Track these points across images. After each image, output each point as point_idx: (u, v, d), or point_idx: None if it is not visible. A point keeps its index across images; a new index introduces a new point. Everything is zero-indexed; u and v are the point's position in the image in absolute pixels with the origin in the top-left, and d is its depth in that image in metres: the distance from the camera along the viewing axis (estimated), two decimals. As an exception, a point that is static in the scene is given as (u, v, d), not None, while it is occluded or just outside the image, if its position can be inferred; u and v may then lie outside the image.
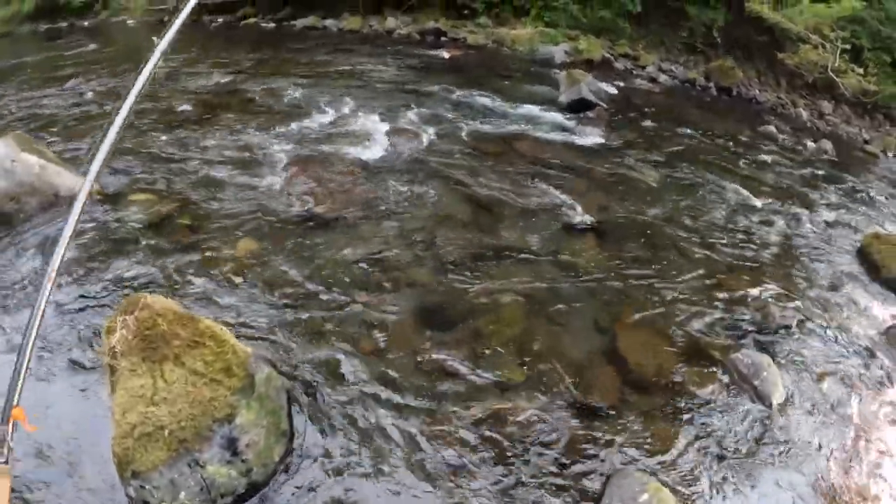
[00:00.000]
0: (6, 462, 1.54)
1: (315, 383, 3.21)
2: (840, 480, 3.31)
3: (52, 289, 1.65)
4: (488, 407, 3.22)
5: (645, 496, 2.70)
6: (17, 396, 1.58)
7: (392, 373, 3.35)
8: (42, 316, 1.63)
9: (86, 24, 17.44)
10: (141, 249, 4.20)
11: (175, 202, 4.85)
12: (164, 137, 6.25)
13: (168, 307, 2.79)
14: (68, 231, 1.70)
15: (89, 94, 7.93)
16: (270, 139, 6.40)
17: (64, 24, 17.14)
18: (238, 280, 3.95)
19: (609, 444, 3.16)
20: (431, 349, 3.55)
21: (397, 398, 3.19)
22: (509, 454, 2.99)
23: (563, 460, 3.02)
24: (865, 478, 3.37)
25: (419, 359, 3.47)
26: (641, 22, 15.77)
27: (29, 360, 1.58)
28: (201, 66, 9.87)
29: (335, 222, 4.80)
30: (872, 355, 4.54)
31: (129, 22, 17.03)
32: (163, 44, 2.01)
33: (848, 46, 13.87)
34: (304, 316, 3.70)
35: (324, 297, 3.89)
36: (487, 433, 3.07)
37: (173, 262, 4.08)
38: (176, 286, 3.84)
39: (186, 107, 7.41)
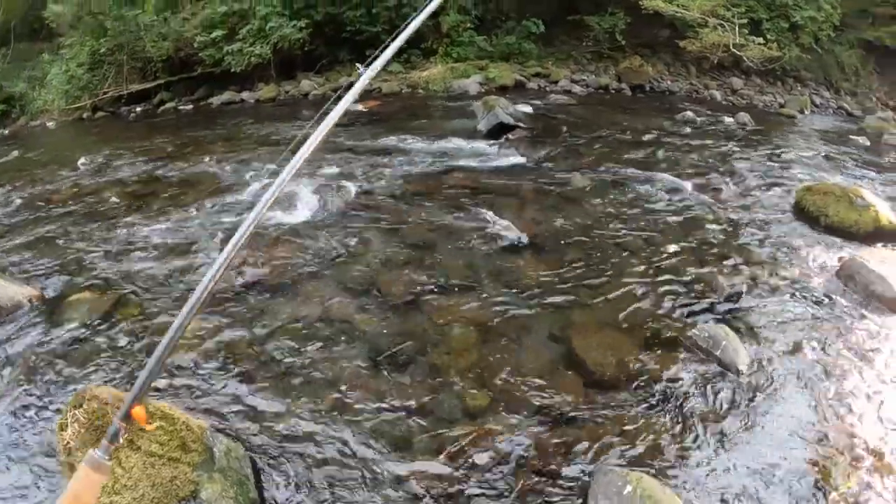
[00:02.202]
0: (110, 459, 1.53)
1: (280, 447, 3.12)
2: (816, 428, 3.35)
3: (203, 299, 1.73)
4: (459, 437, 3.18)
5: (629, 487, 2.67)
6: (141, 395, 1.58)
7: (357, 423, 3.29)
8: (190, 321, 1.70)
9: (5, 131, 17.12)
10: (88, 346, 4.09)
11: (116, 295, 4.72)
12: (96, 233, 6.14)
13: (115, 394, 2.75)
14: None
15: (18, 202, 7.75)
16: (202, 218, 6.32)
17: (-17, 134, 16.82)
18: (187, 358, 3.86)
19: (584, 446, 3.14)
20: (392, 392, 3.50)
21: (367, 446, 3.13)
22: (490, 476, 2.94)
23: (543, 470, 2.99)
24: (840, 421, 3.42)
25: (382, 404, 3.41)
26: (546, 41, 16.29)
27: (161, 363, 1.62)
28: (125, 157, 9.79)
29: (276, 287, 4.75)
30: (829, 297, 4.70)
31: (49, 124, 16.74)
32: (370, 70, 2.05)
33: (745, 21, 14.51)
34: (259, 382, 3.63)
35: (275, 360, 3.83)
36: (464, 462, 3.02)
37: (121, 353, 3.99)
38: (127, 374, 3.76)
39: (115, 199, 7.28)
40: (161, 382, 3.58)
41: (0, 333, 4.26)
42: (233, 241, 1.80)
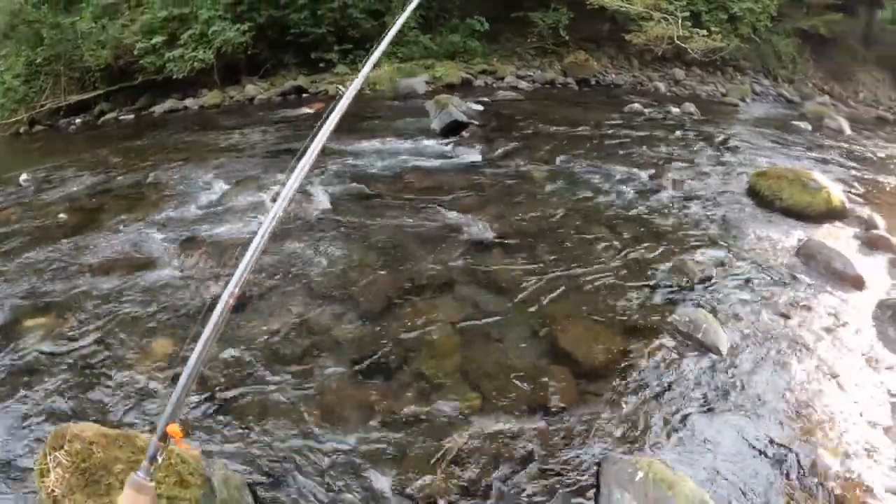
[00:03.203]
0: (152, 480, 1.53)
1: (276, 469, 3.00)
2: (796, 400, 3.52)
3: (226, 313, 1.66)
4: (458, 441, 3.12)
5: (640, 474, 2.70)
6: (176, 413, 1.57)
7: (349, 436, 3.19)
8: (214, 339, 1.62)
9: None
10: (51, 377, 3.82)
11: (74, 319, 4.46)
12: (45, 254, 5.79)
13: (99, 432, 2.55)
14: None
15: None
16: (157, 231, 6.06)
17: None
18: (162, 383, 3.67)
19: (585, 437, 3.16)
20: (380, 402, 3.42)
21: (363, 461, 3.04)
22: (493, 478, 2.91)
23: (548, 466, 2.98)
24: (817, 392, 3.62)
25: (372, 415, 3.33)
26: (491, 38, 16.33)
27: (194, 380, 1.59)
28: (68, 172, 9.39)
29: (245, 300, 4.56)
30: (794, 277, 4.91)
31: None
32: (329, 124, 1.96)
33: (687, 14, 14.79)
34: (242, 403, 3.48)
35: (256, 378, 3.68)
36: (466, 467, 2.98)
37: (89, 382, 3.73)
38: (99, 407, 3.52)
39: (63, 216, 6.90)
40: (130, 415, 3.41)
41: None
42: (246, 257, 1.77)
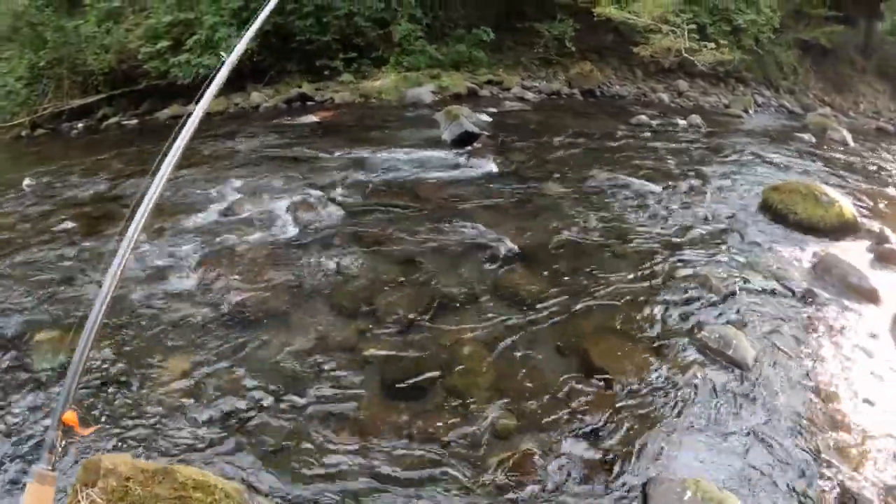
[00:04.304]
0: (53, 469, 1.52)
1: (314, 497, 2.93)
2: (831, 415, 3.57)
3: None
4: (495, 464, 3.09)
5: (689, 493, 2.70)
6: (69, 401, 1.57)
7: (384, 459, 3.14)
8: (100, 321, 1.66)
9: None
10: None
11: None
12: (52, 262, 5.66)
13: (134, 465, 2.44)
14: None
15: None
16: (168, 242, 5.96)
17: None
18: (181, 405, 3.56)
19: (626, 457, 3.14)
20: (414, 422, 3.38)
21: (401, 486, 2.99)
22: (537, 502, 2.90)
23: (592, 488, 2.96)
24: (843, 405, 3.68)
25: (406, 436, 3.28)
26: (496, 48, 16.36)
27: (83, 364, 1.65)
28: (73, 176, 9.30)
29: (265, 315, 4.51)
30: (812, 291, 4.94)
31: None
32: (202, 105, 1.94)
33: (694, 26, 14.85)
34: (270, 426, 3.41)
35: (281, 400, 3.60)
36: (506, 491, 2.94)
37: (106, 405, 3.62)
38: (120, 433, 3.39)
39: (68, 223, 6.74)
40: (163, 443, 3.30)
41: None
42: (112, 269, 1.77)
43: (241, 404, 3.59)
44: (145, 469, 2.44)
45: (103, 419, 3.50)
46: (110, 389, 3.77)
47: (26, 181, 8.98)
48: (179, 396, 3.67)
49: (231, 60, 2.10)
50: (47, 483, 1.54)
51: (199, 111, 1.84)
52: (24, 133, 15.29)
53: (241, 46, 2.03)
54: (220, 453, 3.23)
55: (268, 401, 3.61)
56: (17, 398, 3.72)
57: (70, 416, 1.58)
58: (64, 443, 1.41)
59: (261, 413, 3.51)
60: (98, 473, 2.34)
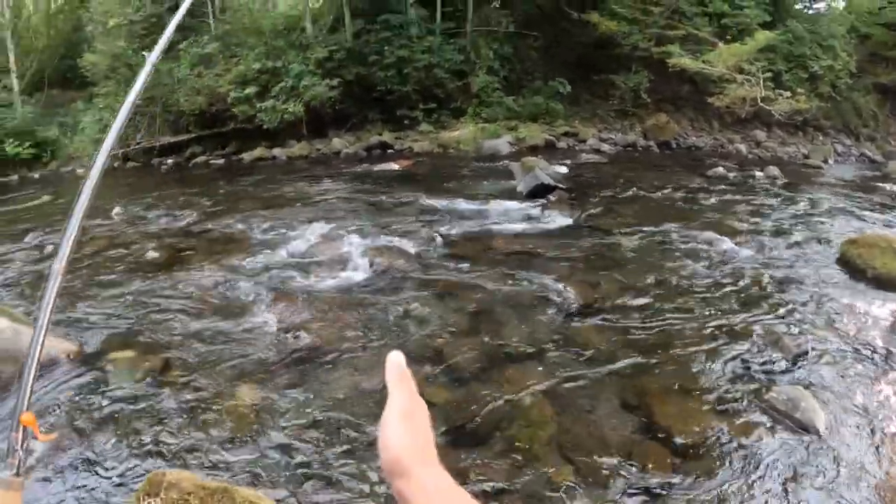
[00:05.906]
0: (17, 474, 1.45)
1: None
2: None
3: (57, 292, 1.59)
4: None
5: None
6: (26, 402, 1.50)
7: None
8: (49, 319, 1.57)
9: (36, 175, 17.12)
10: (136, 414, 3.90)
11: (160, 357, 4.58)
12: (135, 287, 6.01)
13: (196, 483, 2.54)
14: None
15: (49, 247, 7.60)
16: (246, 277, 6.25)
17: (14, 177, 16.73)
18: (249, 433, 3.70)
19: None
20: (473, 470, 3.39)
21: None
22: None
23: None
24: None
25: (465, 483, 3.27)
26: (573, 100, 16.52)
27: (38, 364, 1.51)
28: (160, 209, 9.81)
29: (334, 354, 4.64)
30: (889, 351, 4.70)
31: (79, 171, 16.74)
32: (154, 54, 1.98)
33: (769, 74, 14.65)
34: (332, 461, 3.48)
35: (345, 437, 3.67)
36: None
37: (174, 424, 3.79)
38: (186, 453, 3.55)
39: (154, 253, 7.16)
40: (226, 464, 3.42)
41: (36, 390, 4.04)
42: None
43: (305, 436, 3.70)
44: (206, 487, 2.55)
45: (173, 437, 3.67)
46: (179, 411, 3.95)
47: (116, 209, 9.48)
48: (246, 423, 3.81)
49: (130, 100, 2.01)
50: (14, 489, 1.57)
51: (105, 149, 1.81)
52: (116, 164, 16.18)
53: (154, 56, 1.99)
54: (280, 480, 3.33)
55: (330, 435, 3.72)
56: (100, 414, 3.89)
57: (28, 418, 1.60)
58: (27, 445, 1.42)
59: (322, 446, 3.61)
60: (161, 486, 2.45)
